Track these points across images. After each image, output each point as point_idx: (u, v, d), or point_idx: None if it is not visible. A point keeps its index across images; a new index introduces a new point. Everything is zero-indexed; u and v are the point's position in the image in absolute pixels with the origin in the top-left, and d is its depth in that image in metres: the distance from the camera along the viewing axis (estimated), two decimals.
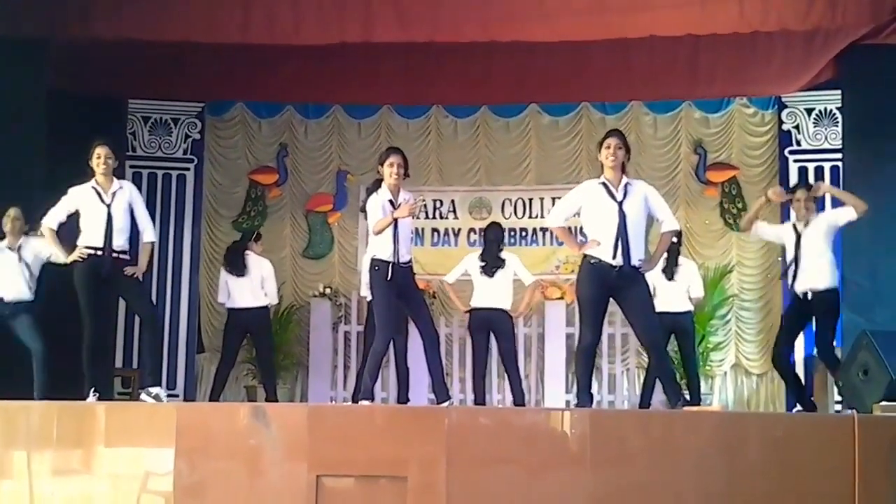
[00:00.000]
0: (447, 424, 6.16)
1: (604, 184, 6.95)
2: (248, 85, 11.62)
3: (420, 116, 12.82)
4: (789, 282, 8.45)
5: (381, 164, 7.62)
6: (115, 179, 7.95)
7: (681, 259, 9.72)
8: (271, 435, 6.16)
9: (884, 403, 6.97)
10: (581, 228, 7.24)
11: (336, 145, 12.87)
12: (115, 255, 7.79)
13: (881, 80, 9.82)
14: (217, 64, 10.63)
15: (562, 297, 11.72)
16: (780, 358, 8.53)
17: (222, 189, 12.76)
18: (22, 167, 9.37)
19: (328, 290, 12.10)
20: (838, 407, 9.04)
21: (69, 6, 9.59)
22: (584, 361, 7.02)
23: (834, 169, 11.32)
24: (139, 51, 10.01)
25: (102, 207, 7.78)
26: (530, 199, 12.58)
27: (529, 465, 5.97)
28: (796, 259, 8.25)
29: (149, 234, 8.08)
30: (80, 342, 7.82)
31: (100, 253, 7.74)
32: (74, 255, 7.75)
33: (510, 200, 12.62)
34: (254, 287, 9.90)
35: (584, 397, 6.96)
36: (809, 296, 8.18)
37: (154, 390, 7.74)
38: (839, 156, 11.14)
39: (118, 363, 11.49)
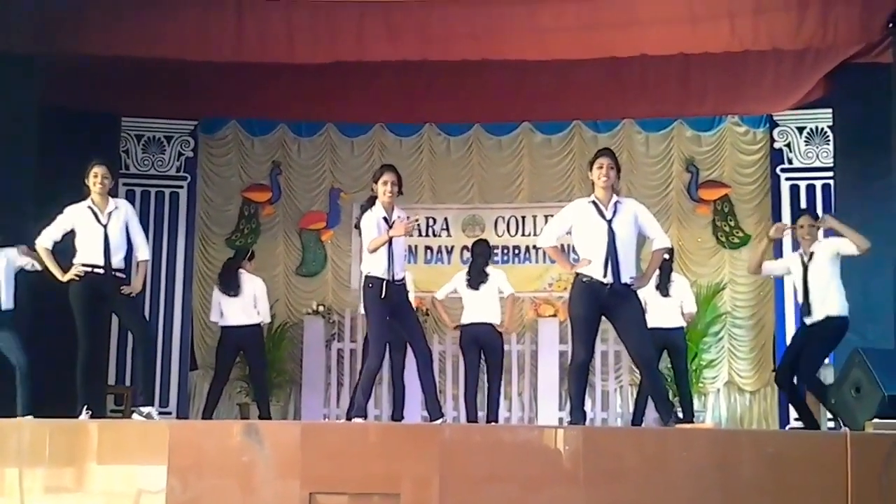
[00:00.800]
0: (440, 442, 6.17)
1: (594, 202, 7.00)
2: (242, 103, 11.66)
3: (413, 134, 12.84)
4: (800, 310, 8.48)
5: (375, 182, 7.64)
6: (110, 199, 7.95)
7: (673, 275, 9.74)
8: (264, 452, 6.15)
9: (876, 421, 6.96)
10: (573, 247, 7.26)
11: (329, 163, 12.89)
12: (117, 272, 7.81)
13: (872, 99, 9.86)
14: (210, 82, 10.66)
15: (555, 315, 11.71)
16: (781, 375, 8.53)
17: (215, 207, 12.76)
18: (13, 182, 9.39)
19: (321, 308, 12.09)
20: (831, 424, 9.05)
21: (63, 23, 9.61)
22: (576, 379, 7.02)
23: (825, 187, 11.39)
24: (132, 68, 10.04)
25: (99, 228, 7.77)
26: (523, 217, 12.59)
27: (523, 482, 5.97)
28: (805, 290, 8.26)
29: (143, 252, 8.08)
30: (70, 358, 7.81)
31: (98, 271, 7.74)
32: (71, 274, 7.75)
33: (503, 218, 12.64)
34: (246, 305, 9.92)
35: (578, 415, 6.97)
36: (811, 325, 8.23)
37: (146, 409, 7.73)
38: (831, 174, 11.23)
39: (111, 380, 11.48)
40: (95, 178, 7.85)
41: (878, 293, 9.59)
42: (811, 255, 8.23)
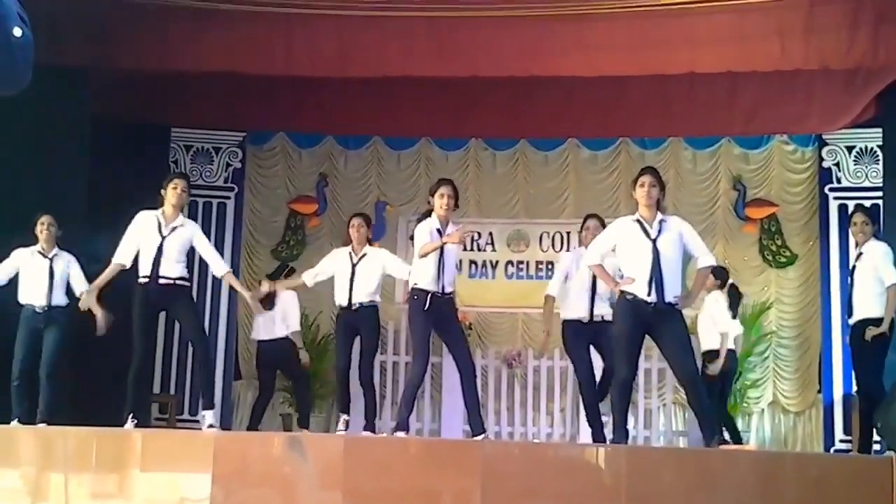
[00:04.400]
0: (482, 457, 6.18)
1: (638, 221, 6.97)
2: (290, 115, 11.74)
3: (459, 149, 12.87)
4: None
5: (432, 195, 7.69)
6: (181, 215, 7.97)
7: (717, 294, 9.67)
8: (307, 464, 6.19)
9: None
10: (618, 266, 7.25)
11: (375, 176, 12.94)
12: (172, 281, 7.79)
13: None
14: (259, 94, 10.76)
15: None
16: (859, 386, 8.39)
17: (262, 218, 12.85)
18: (65, 193, 9.50)
19: None
20: (877, 447, 8.94)
21: (115, 36, 9.76)
22: (620, 397, 6.98)
23: (874, 207, 11.21)
24: (183, 80, 10.16)
25: (157, 238, 7.78)
26: (568, 233, 12.52)
27: (564, 499, 5.97)
28: (850, 289, 8.15)
29: (217, 268, 8.10)
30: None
31: (157, 281, 7.74)
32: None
33: (548, 234, 12.62)
34: (276, 319, 9.96)
35: (620, 433, 6.93)
36: (854, 323, 8.08)
37: (209, 414, 7.81)
38: (879, 194, 11.12)
39: (156, 389, 11.57)
40: (174, 189, 7.86)
41: None
42: (859, 255, 8.11)
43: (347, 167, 12.99)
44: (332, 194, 12.92)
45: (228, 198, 12.38)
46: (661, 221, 6.95)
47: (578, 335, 8.10)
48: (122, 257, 7.86)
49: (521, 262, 12.54)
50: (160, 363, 11.64)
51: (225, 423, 11.56)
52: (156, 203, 7.98)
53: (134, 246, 7.85)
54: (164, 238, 7.78)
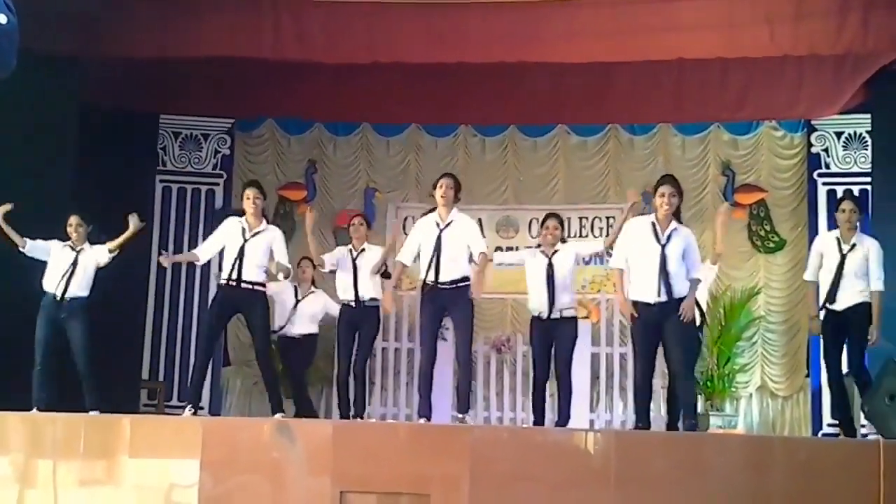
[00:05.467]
0: (470, 442, 6.19)
1: (653, 224, 7.24)
2: (278, 101, 11.69)
3: (448, 135, 12.85)
4: (822, 298, 8.24)
5: (434, 189, 7.96)
6: (263, 220, 8.36)
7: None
8: (296, 450, 6.19)
9: None
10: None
11: (364, 162, 12.92)
12: (251, 285, 8.14)
13: None
14: (248, 81, 10.72)
15: (587, 317, 11.66)
16: (828, 371, 8.37)
17: None
18: (52, 180, 9.46)
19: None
20: (864, 431, 8.97)
21: (102, 23, 9.70)
22: (640, 395, 7.33)
23: (863, 192, 11.26)
24: (171, 67, 10.11)
25: (240, 241, 8.15)
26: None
27: (553, 483, 5.99)
28: (838, 279, 8.07)
29: (281, 259, 8.36)
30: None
31: (231, 283, 8.10)
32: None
33: (537, 220, 12.49)
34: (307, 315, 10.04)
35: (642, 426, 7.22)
36: (843, 310, 8.04)
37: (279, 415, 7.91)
38: (868, 179, 11.15)
39: (144, 375, 11.56)
40: (247, 199, 8.31)
41: None
42: (853, 245, 8.04)
43: (336, 154, 12.96)
44: (322, 181, 12.89)
45: (217, 185, 12.36)
46: (673, 230, 7.21)
47: (537, 331, 8.37)
48: (200, 252, 8.55)
49: (511, 249, 12.51)
50: (149, 350, 11.65)
51: (214, 409, 11.61)
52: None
53: (216, 246, 8.40)
54: (245, 241, 8.14)
